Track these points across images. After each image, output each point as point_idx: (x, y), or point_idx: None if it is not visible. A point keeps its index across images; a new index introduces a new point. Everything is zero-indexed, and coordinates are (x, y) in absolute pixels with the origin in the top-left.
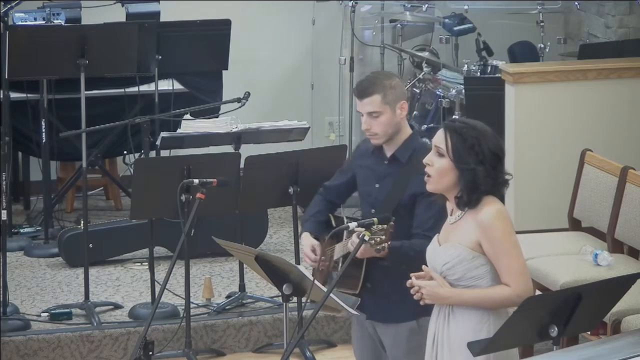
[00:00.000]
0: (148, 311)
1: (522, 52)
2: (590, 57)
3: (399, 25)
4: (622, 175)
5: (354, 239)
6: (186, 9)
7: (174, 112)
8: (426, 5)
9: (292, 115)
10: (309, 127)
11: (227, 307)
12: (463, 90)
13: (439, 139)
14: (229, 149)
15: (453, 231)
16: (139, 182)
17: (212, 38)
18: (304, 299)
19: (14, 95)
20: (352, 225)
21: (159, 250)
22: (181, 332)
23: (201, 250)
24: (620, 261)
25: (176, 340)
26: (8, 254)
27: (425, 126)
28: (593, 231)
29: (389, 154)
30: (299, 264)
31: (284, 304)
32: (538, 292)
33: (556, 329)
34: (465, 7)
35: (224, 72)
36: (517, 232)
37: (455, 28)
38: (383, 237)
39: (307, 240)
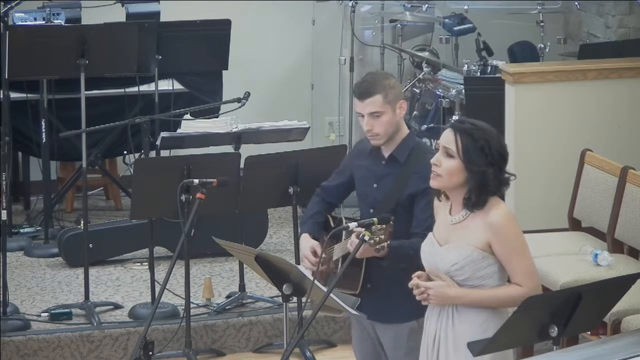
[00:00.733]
0: (148, 311)
1: (522, 52)
2: (590, 57)
3: (399, 25)
4: (622, 175)
5: (354, 239)
6: (186, 9)
7: (174, 112)
8: (426, 5)
9: (292, 115)
10: (309, 127)
11: (227, 307)
12: (463, 90)
13: (448, 139)
14: (229, 149)
15: (456, 231)
16: (139, 182)
17: (212, 38)
18: (304, 299)
19: (14, 95)
20: (352, 225)
21: (159, 250)
22: (181, 332)
23: (201, 250)
24: (620, 261)
25: (176, 340)
26: (8, 254)
27: (425, 126)
28: (593, 231)
29: (386, 154)
30: (299, 264)
31: (284, 304)
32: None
33: (556, 329)
34: (465, 7)
35: (224, 72)
36: None
37: (455, 28)
38: (382, 236)
39: (307, 242)
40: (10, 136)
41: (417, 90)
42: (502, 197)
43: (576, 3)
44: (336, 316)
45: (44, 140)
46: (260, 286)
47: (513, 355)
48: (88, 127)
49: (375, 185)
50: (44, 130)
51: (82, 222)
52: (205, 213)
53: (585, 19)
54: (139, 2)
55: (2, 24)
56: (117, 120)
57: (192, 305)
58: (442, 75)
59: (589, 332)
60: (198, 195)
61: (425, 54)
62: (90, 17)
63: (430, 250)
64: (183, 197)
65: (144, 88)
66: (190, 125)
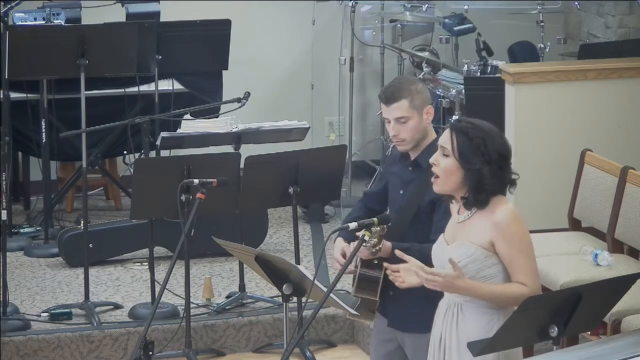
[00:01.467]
0: (148, 311)
1: (522, 52)
2: (590, 57)
3: (399, 25)
4: (622, 175)
5: (352, 244)
6: (186, 9)
7: (174, 112)
8: (426, 5)
9: (292, 115)
10: (309, 127)
11: (227, 307)
12: (463, 90)
13: (445, 139)
14: (229, 149)
15: (462, 230)
16: (139, 182)
17: (212, 38)
18: (304, 299)
19: (14, 95)
20: (352, 225)
21: (159, 250)
22: (181, 332)
23: (201, 250)
24: (620, 261)
25: (176, 340)
26: (8, 254)
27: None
28: (593, 231)
29: (412, 159)
30: (299, 264)
31: (284, 304)
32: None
33: (556, 329)
34: (465, 7)
35: (224, 72)
36: None
37: (455, 28)
38: (375, 240)
39: (339, 245)
40: (10, 136)
41: None
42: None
43: (576, 3)
44: (367, 322)
45: (44, 140)
46: (260, 286)
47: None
48: (88, 127)
49: (401, 192)
50: (44, 130)
51: (82, 222)
52: (205, 213)
53: (585, 19)
54: (139, 2)
55: (2, 24)
56: (117, 120)
57: (192, 305)
58: (442, 75)
59: (589, 332)
60: (198, 195)
61: (425, 54)
62: (90, 17)
63: (439, 249)
64: (183, 197)
65: (144, 88)
66: (190, 125)
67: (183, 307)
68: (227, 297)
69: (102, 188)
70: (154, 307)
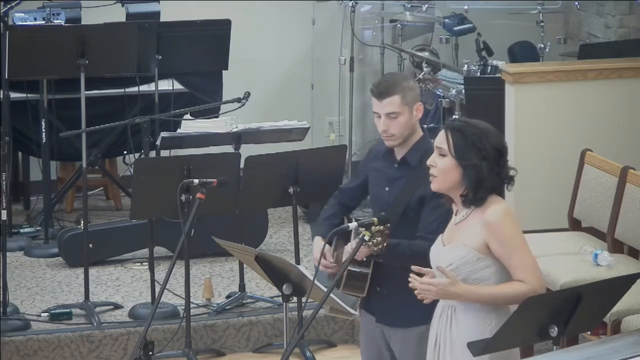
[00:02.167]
0: (148, 311)
1: (522, 52)
2: (590, 57)
3: (399, 25)
4: (622, 175)
5: (354, 243)
6: (186, 9)
7: (174, 112)
8: (426, 5)
9: (292, 115)
10: (309, 127)
11: (227, 307)
12: (463, 90)
13: (441, 139)
14: (229, 149)
15: (457, 231)
16: (139, 182)
17: (212, 38)
18: (304, 299)
19: (14, 95)
20: (352, 225)
21: (159, 250)
22: (181, 332)
23: (201, 250)
24: (620, 261)
25: (176, 340)
26: (8, 254)
27: (425, 126)
28: (593, 231)
29: (399, 156)
30: (299, 264)
31: (284, 304)
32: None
33: (556, 329)
34: (465, 7)
35: (224, 72)
36: None
37: (455, 28)
38: (379, 238)
39: (318, 245)
40: (10, 136)
41: None
42: (502, 196)
43: (576, 3)
44: (345, 318)
45: (44, 140)
46: (260, 286)
47: (519, 355)
48: (88, 127)
49: (387, 188)
50: (44, 130)
51: (82, 222)
52: (205, 213)
53: (585, 19)
54: (139, 2)
55: (2, 24)
56: (117, 120)
57: (192, 305)
58: (442, 75)
59: (589, 332)
60: (198, 195)
61: (425, 54)
62: (90, 17)
63: (436, 250)
64: (183, 197)
65: (144, 88)
66: (190, 125)
67: (183, 307)
68: (227, 297)
69: (102, 188)
70: (154, 307)
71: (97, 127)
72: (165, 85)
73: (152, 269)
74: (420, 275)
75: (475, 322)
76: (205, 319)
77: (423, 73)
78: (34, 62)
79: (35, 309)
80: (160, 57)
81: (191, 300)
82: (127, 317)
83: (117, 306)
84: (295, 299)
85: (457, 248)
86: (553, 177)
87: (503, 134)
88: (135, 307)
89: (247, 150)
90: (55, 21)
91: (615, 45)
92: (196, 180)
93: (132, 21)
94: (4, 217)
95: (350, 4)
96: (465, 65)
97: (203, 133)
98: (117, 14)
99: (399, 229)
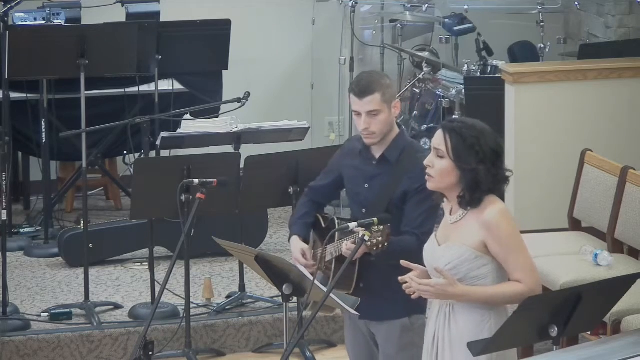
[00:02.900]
0: (148, 311)
1: (522, 52)
2: (590, 57)
3: (399, 25)
4: (622, 175)
5: (349, 244)
6: (186, 9)
7: (174, 112)
8: (426, 5)
9: (292, 115)
10: (309, 127)
11: (227, 307)
12: (463, 90)
13: (438, 140)
14: (229, 149)
15: (454, 231)
16: (139, 182)
17: (212, 38)
18: (303, 299)
19: (14, 95)
20: (352, 225)
21: (159, 250)
22: (181, 332)
23: (201, 250)
24: (620, 261)
25: (176, 340)
26: (8, 254)
27: (425, 126)
28: (593, 231)
29: (377, 154)
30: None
31: (284, 304)
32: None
33: (556, 329)
34: (465, 7)
35: (224, 72)
36: None
37: (455, 28)
38: (380, 238)
39: (297, 244)
40: (10, 136)
41: (417, 90)
42: (502, 195)
43: (576, 3)
44: (328, 315)
45: (44, 140)
46: (260, 286)
47: (516, 355)
48: (88, 127)
49: (366, 186)
50: (44, 130)
51: (82, 222)
52: (205, 213)
53: (585, 19)
54: (139, 2)
55: (2, 24)
56: (117, 120)
57: (192, 305)
58: (442, 75)
59: (589, 332)
60: (198, 195)
61: (425, 54)
62: (90, 17)
63: (430, 249)
64: (183, 197)
65: (144, 88)
66: (190, 125)
67: (183, 307)
68: (227, 297)
69: (102, 188)
70: (154, 307)
71: (97, 127)
72: (165, 85)
73: (152, 269)
74: (409, 270)
75: (475, 320)
76: (205, 319)
77: (423, 73)
78: (34, 62)
79: (35, 309)
80: (160, 57)
81: (191, 300)
82: (127, 317)
83: (117, 306)
84: (295, 299)
85: (455, 247)
86: (553, 177)
87: (503, 134)
88: (135, 307)
89: (247, 150)
90: (55, 21)
91: (615, 45)
92: (196, 180)
93: (132, 21)
94: (4, 217)
95: (350, 4)
96: (465, 65)
97: (203, 133)
98: (117, 14)
99: None
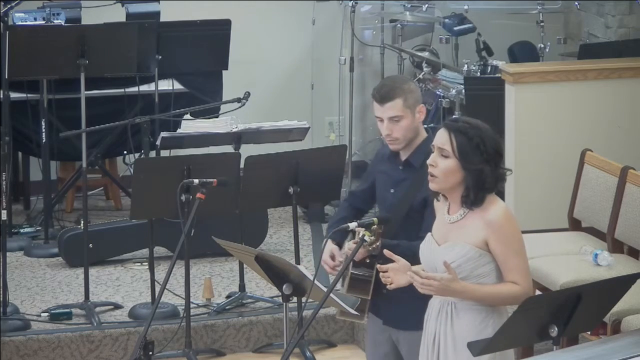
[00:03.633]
0: (148, 311)
1: (522, 52)
2: (590, 57)
3: (399, 25)
4: (622, 175)
5: (351, 244)
6: (186, 9)
7: (174, 112)
8: (426, 5)
9: (292, 115)
10: (309, 127)
11: (227, 307)
12: (463, 90)
13: (442, 139)
14: (229, 149)
15: (454, 230)
16: (139, 182)
17: (212, 38)
18: (304, 299)
19: (14, 95)
20: (352, 225)
21: (159, 250)
22: (181, 332)
23: (201, 250)
24: (620, 261)
25: (176, 340)
26: (8, 254)
27: (425, 126)
28: (593, 231)
29: (403, 158)
30: (299, 264)
31: (284, 304)
32: (538, 292)
33: (556, 329)
34: (465, 7)
35: (224, 72)
36: None
37: (455, 28)
38: (373, 238)
39: (326, 247)
40: (10, 136)
41: None
42: (502, 193)
43: (576, 3)
44: (354, 321)
45: (44, 140)
46: (260, 286)
47: (513, 355)
48: (88, 127)
49: (392, 190)
50: (44, 130)
51: (82, 222)
52: (205, 213)
53: (585, 19)
54: (139, 2)
55: (2, 24)
56: (117, 120)
57: (192, 305)
58: (442, 75)
59: (589, 332)
60: (198, 195)
61: (425, 54)
62: (90, 17)
63: (428, 249)
64: (183, 197)
65: (144, 88)
66: (190, 125)
67: (183, 307)
68: (227, 297)
69: (102, 188)
70: (154, 307)
71: (97, 127)
72: (165, 85)
73: (152, 269)
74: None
75: (477, 318)
76: (205, 319)
77: (423, 73)
78: (34, 62)
79: (35, 309)
80: (160, 57)
81: (191, 300)
82: (127, 317)
83: (117, 306)
84: (295, 299)
85: (459, 246)
86: (553, 177)
87: (503, 134)
88: (135, 307)
89: (247, 150)
90: (55, 21)
91: (615, 45)
92: (196, 180)
93: (132, 21)
94: (4, 217)
95: (350, 4)
96: (465, 65)
97: (203, 133)
98: (117, 14)
99: (402, 230)
